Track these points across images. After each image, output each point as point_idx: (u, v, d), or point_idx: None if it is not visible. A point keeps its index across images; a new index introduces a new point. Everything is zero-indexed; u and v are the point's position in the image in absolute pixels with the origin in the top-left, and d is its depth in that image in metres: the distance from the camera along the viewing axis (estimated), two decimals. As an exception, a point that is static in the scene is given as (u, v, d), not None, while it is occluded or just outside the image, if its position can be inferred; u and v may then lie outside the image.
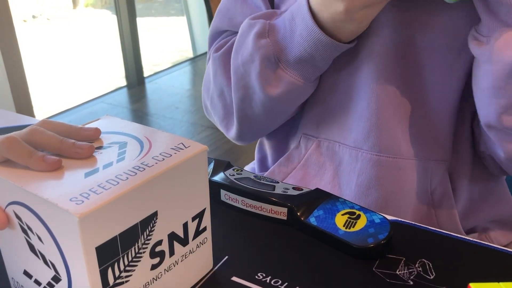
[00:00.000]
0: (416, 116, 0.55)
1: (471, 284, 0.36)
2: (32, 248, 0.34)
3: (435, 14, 0.51)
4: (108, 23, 4.34)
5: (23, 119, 0.82)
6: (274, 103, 0.57)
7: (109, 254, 0.31)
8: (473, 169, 0.58)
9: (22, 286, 0.37)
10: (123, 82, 3.04)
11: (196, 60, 3.58)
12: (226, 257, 0.44)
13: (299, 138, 0.62)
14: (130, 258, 0.33)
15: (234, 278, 0.41)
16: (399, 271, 0.42)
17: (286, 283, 0.41)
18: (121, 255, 0.32)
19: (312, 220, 0.46)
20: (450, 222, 0.58)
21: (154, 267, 0.35)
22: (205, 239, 0.40)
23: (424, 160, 0.56)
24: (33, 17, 4.77)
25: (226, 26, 0.64)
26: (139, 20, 3.08)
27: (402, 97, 0.55)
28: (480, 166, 0.59)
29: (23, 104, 2.32)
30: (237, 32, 0.59)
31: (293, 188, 0.50)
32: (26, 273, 0.36)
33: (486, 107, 0.49)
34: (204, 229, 0.40)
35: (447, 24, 0.51)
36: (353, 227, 0.45)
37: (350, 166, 0.58)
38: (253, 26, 0.55)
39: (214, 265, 0.43)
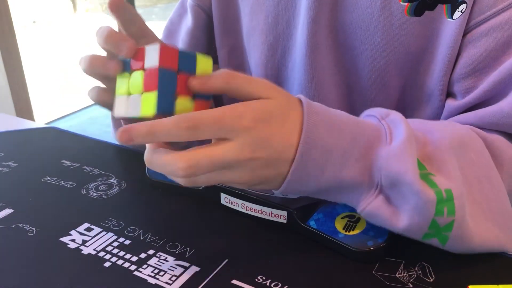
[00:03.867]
0: None
1: (470, 287, 0.36)
2: None
3: None
4: (108, 28, 4.34)
5: (23, 123, 0.83)
6: None
7: None
8: None
9: None
10: (123, 87, 3.04)
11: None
12: (226, 260, 0.44)
13: None
14: None
15: (234, 281, 0.41)
16: (398, 274, 0.42)
17: (286, 286, 0.41)
18: None
19: (312, 223, 0.46)
20: None
21: None
22: None
23: None
24: (34, 22, 4.78)
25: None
26: (140, 25, 3.08)
27: None
28: None
29: (23, 109, 2.33)
30: None
31: (293, 191, 0.51)
32: None
33: None
34: None
35: None
36: (353, 230, 0.45)
37: None
38: None
39: (214, 268, 0.43)
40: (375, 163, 0.40)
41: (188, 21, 0.71)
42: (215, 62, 0.72)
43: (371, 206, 0.40)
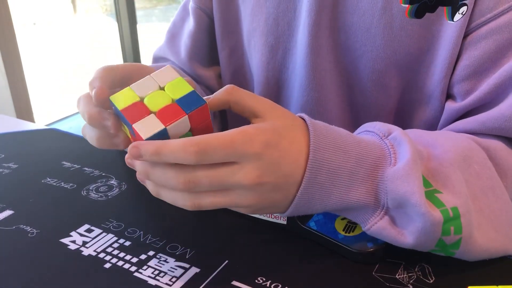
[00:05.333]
0: None
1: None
2: None
3: None
4: (109, 29, 4.35)
5: (24, 125, 0.83)
6: None
7: None
8: None
9: None
10: (123, 88, 3.04)
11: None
12: (227, 261, 0.44)
13: None
14: None
15: (234, 282, 0.42)
16: (398, 275, 0.42)
17: (286, 287, 0.41)
18: None
19: (312, 224, 0.47)
20: None
21: None
22: None
23: None
24: (34, 24, 4.78)
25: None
26: (140, 26, 3.09)
27: None
28: None
29: (24, 110, 2.33)
30: None
31: (293, 192, 0.51)
32: None
33: None
34: None
35: None
36: (353, 231, 0.45)
37: None
38: None
39: (215, 269, 0.43)
40: (381, 185, 0.39)
41: (190, 24, 0.71)
42: (217, 64, 0.72)
43: (377, 226, 0.40)
